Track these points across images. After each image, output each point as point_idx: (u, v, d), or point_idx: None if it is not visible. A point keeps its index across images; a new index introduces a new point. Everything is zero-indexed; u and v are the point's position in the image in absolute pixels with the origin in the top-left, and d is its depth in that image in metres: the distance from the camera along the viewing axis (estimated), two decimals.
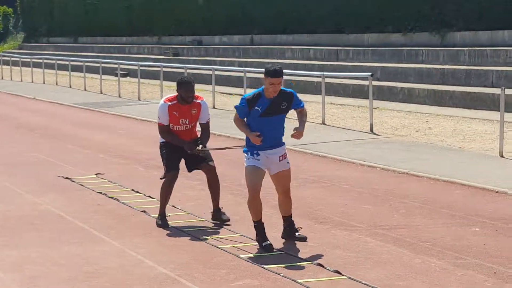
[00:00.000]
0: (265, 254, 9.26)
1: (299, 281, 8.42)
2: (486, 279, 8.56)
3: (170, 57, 43.22)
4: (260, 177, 9.39)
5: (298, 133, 9.41)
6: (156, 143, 19.14)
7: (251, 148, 9.35)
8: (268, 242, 9.44)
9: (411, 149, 17.38)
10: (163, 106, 9.77)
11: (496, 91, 18.94)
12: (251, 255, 9.31)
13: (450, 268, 8.98)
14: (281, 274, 8.56)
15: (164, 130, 9.91)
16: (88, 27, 56.84)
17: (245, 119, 9.55)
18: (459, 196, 12.93)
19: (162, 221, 10.36)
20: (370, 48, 32.13)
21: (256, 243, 9.54)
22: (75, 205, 12.51)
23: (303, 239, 9.70)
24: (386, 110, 23.83)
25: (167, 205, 10.80)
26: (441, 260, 9.20)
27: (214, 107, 27.26)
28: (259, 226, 9.50)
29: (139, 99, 31.15)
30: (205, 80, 32.87)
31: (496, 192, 13.06)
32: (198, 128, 10.80)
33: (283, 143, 9.61)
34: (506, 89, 17.24)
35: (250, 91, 11.29)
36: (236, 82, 31.85)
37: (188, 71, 31.59)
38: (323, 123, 21.61)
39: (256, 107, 9.07)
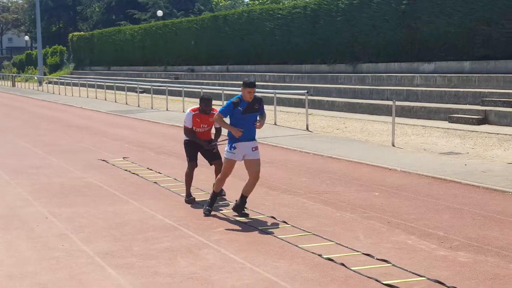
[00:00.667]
0: (235, 213, 9.28)
1: (260, 228, 8.65)
2: (383, 226, 8.68)
3: (173, 80, 42.75)
4: (232, 166, 9.27)
5: (260, 123, 9.25)
6: (163, 137, 19.52)
7: (230, 141, 9.07)
8: (211, 210, 9.38)
9: (333, 141, 17.22)
10: (189, 114, 9.70)
11: (390, 103, 19.03)
12: (231, 211, 9.38)
13: (359, 219, 9.10)
14: (248, 224, 8.68)
15: (189, 131, 9.78)
16: (117, 60, 56.46)
17: (227, 119, 9.26)
18: (365, 172, 12.96)
19: (188, 199, 10.05)
20: (306, 74, 31.84)
21: (231, 209, 9.40)
22: (109, 178, 12.55)
23: (246, 215, 9.21)
24: (316, 116, 23.52)
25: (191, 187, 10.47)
26: (353, 214, 9.23)
27: None
28: (215, 197, 9.43)
29: (151, 108, 30.87)
30: (196, 95, 32.41)
31: (390, 169, 13.11)
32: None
33: (256, 139, 9.31)
34: (396, 102, 17.22)
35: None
36: (216, 97, 31.67)
37: (185, 89, 31.38)
38: (275, 124, 21.36)
39: (239, 107, 8.86)
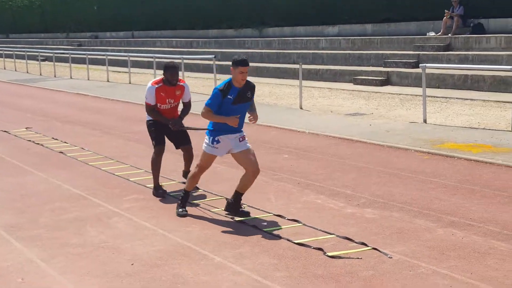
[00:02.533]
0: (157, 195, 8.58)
1: (171, 194, 8.50)
2: (293, 187, 8.87)
3: (76, 47, 42.00)
4: (211, 162, 7.66)
5: (254, 116, 7.67)
6: (68, 106, 19.02)
7: (214, 133, 7.42)
8: (185, 210, 7.76)
9: None
10: (151, 88, 7.84)
11: (296, 66, 19.28)
12: (141, 178, 9.28)
13: (270, 181, 9.23)
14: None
15: (151, 108, 7.97)
16: (15, 27, 54.46)
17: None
18: (274, 135, 13.10)
19: (157, 192, 8.33)
20: (213, 39, 31.93)
21: (224, 210, 7.74)
22: (12, 149, 12.17)
23: (247, 213, 7.63)
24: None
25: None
26: (264, 176, 9.22)
27: (108, 81, 27.18)
28: (186, 196, 7.78)
29: (54, 76, 30.25)
30: (101, 62, 32.21)
31: (298, 131, 13.31)
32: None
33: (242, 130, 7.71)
34: (302, 65, 17.53)
35: (135, 70, 10.64)
36: (122, 63, 31.27)
37: (89, 57, 31.05)
38: None
39: (229, 96, 7.18)
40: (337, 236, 6.95)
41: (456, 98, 16.87)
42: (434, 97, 16.93)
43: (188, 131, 8.49)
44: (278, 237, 6.90)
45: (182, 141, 8.37)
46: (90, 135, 11.86)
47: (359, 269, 6.06)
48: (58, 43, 46.80)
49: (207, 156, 7.43)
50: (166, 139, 8.53)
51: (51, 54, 34.34)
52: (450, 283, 5.60)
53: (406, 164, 10.30)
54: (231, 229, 7.30)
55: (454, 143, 11.81)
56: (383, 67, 21.14)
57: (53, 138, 13.27)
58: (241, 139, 7.45)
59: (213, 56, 23.18)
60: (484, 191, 8.55)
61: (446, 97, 17.06)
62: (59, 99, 21.55)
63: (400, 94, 18.18)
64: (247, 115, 7.59)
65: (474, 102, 16.28)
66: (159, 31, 37.81)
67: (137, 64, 30.66)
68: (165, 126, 8.19)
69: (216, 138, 7.29)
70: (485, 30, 20.97)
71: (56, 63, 32.65)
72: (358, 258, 6.31)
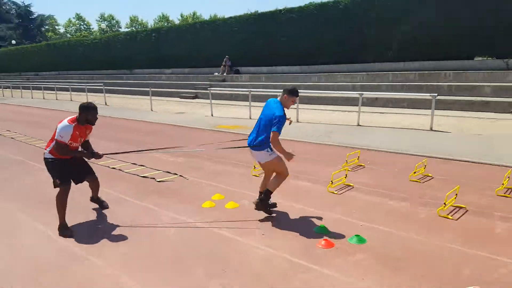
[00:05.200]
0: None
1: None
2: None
3: (24, 80, 35.96)
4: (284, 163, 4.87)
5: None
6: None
7: (266, 146, 4.68)
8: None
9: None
10: (68, 127, 4.80)
11: (147, 88, 19.69)
12: None
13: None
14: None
15: (64, 147, 4.78)
16: None
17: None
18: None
19: (65, 231, 4.78)
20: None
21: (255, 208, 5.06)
22: None
23: (274, 205, 5.10)
24: None
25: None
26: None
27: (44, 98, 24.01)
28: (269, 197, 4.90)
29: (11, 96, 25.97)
30: (39, 88, 28.91)
31: (147, 121, 13.11)
32: None
33: None
34: (154, 88, 17.51)
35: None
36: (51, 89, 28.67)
37: (32, 85, 27.34)
38: None
39: (286, 117, 4.70)
40: (163, 171, 6.64)
41: (228, 105, 17.38)
42: (218, 104, 17.19)
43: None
44: (145, 177, 6.34)
45: (87, 172, 5.18)
46: None
47: (171, 184, 5.87)
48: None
49: (277, 159, 4.77)
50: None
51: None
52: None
53: (202, 135, 10.16)
54: None
55: (224, 125, 11.69)
56: (194, 89, 21.50)
57: None
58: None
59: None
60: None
61: (223, 104, 17.49)
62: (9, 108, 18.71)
63: (203, 104, 18.30)
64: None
65: (236, 106, 16.89)
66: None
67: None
68: (67, 163, 4.92)
69: (271, 147, 4.70)
70: (240, 72, 22.24)
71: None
72: (173, 181, 6.05)
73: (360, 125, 11.19)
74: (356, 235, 4.35)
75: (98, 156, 4.91)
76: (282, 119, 4.46)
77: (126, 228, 4.69)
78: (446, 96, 13.57)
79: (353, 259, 3.94)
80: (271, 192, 4.76)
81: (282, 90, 4.61)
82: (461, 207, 5.11)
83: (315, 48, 19.44)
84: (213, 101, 16.30)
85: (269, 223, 4.76)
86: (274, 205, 4.98)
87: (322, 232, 4.50)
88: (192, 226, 4.67)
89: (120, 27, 71.08)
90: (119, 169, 7.00)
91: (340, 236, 4.40)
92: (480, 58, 15.28)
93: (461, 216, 4.87)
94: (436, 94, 11.15)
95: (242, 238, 4.36)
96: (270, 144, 4.53)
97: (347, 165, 6.99)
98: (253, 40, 21.67)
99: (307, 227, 4.62)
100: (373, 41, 17.59)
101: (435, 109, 10.82)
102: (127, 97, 23.11)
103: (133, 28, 49.15)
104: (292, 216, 4.95)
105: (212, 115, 14.39)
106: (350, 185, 5.94)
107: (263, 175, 4.94)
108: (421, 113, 12.44)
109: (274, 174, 4.80)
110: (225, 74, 22.15)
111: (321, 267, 3.78)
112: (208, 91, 16.77)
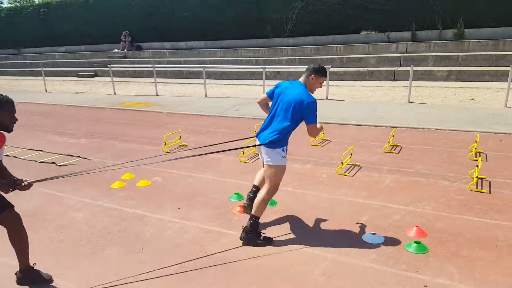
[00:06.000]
0: None
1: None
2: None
3: None
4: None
5: None
6: None
7: (284, 143, 3.61)
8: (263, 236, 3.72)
9: None
10: None
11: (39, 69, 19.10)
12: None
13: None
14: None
15: None
16: None
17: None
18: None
19: (45, 277, 3.08)
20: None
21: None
22: None
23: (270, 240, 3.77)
24: None
25: None
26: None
27: None
28: (258, 224, 3.70)
29: None
30: None
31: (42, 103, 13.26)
32: None
33: None
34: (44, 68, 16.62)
35: None
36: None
37: None
38: None
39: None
40: (64, 154, 6.40)
41: (131, 82, 16.68)
42: (120, 82, 16.51)
43: None
44: (45, 162, 5.94)
45: (3, 206, 2.96)
46: None
47: (74, 168, 5.55)
48: None
49: (283, 168, 3.66)
50: None
51: None
52: None
53: (106, 115, 9.98)
54: None
55: (129, 103, 11.57)
56: (92, 67, 20.62)
57: None
58: None
59: None
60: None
61: (126, 82, 16.69)
62: None
63: (102, 81, 17.44)
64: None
65: (140, 83, 16.09)
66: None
67: None
68: None
69: (287, 148, 3.68)
70: (142, 48, 21.46)
71: None
72: (76, 164, 5.82)
73: None
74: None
75: (24, 186, 2.79)
76: (315, 105, 3.44)
77: (30, 218, 4.31)
78: (338, 68, 14.55)
79: (267, 220, 4.08)
80: (259, 218, 3.62)
81: (305, 69, 3.58)
82: (356, 165, 5.59)
83: (218, 24, 19.43)
84: (114, 78, 15.88)
85: (184, 196, 4.73)
86: (270, 240, 3.63)
87: (237, 199, 4.62)
88: (102, 207, 4.55)
89: (2, 2, 62.87)
90: (14, 156, 6.57)
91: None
92: (366, 32, 16.19)
93: (356, 172, 5.33)
94: (330, 66, 11.95)
95: (156, 214, 4.31)
96: (287, 143, 3.54)
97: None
98: (153, 15, 20.98)
99: (222, 196, 4.71)
100: (271, 17, 18.05)
101: (329, 80, 11.72)
102: (17, 79, 21.53)
103: (17, 4, 44.13)
104: (206, 187, 5.02)
105: (114, 93, 14.06)
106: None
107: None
108: None
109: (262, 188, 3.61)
110: (125, 50, 21.45)
111: (237, 231, 3.87)
112: (108, 69, 16.30)
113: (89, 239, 3.83)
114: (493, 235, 3.68)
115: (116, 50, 22.25)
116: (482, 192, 4.60)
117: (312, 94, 3.54)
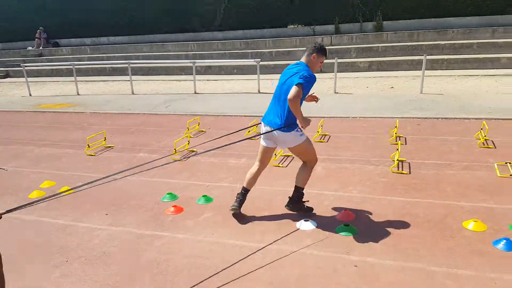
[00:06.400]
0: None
1: None
2: None
3: None
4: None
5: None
6: None
7: (294, 126, 3.62)
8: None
9: None
10: None
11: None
12: None
13: None
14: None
15: None
16: None
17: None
18: None
19: None
20: None
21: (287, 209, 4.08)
22: None
23: (311, 209, 3.99)
24: None
25: None
26: None
27: None
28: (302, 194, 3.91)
29: None
30: None
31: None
32: None
33: None
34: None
35: None
36: None
37: None
38: None
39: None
40: None
41: (49, 82, 16.08)
42: (36, 82, 15.87)
43: None
44: None
45: None
46: None
47: None
48: None
49: (307, 141, 3.71)
50: None
51: None
52: None
53: (21, 118, 9.66)
54: None
55: (48, 104, 11.04)
56: (4, 67, 19.38)
57: None
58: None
59: None
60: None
61: (43, 82, 15.99)
62: None
63: (15, 83, 16.40)
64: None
65: (59, 82, 15.62)
66: None
67: None
68: None
69: (300, 127, 3.67)
70: (60, 45, 20.80)
71: None
72: None
73: (197, 93, 11.55)
74: (203, 196, 4.45)
75: None
76: (313, 78, 3.38)
77: None
78: (268, 61, 14.80)
79: (202, 218, 4.04)
80: (303, 189, 3.84)
81: (305, 48, 3.60)
82: (288, 156, 5.72)
83: (142, 18, 18.78)
84: (29, 79, 15.09)
85: (112, 202, 4.51)
86: (311, 210, 3.96)
87: (170, 199, 4.50)
88: (20, 220, 4.22)
89: None
90: None
91: (188, 200, 4.44)
92: (293, 26, 16.61)
93: (289, 163, 5.47)
94: (260, 60, 12.14)
95: (81, 223, 4.10)
96: (295, 120, 3.49)
97: (188, 132, 7.14)
98: (70, 10, 19.79)
99: (154, 197, 4.57)
100: (201, 11, 17.86)
101: (260, 73, 11.87)
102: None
103: None
104: (138, 189, 4.85)
105: (30, 94, 13.49)
106: (194, 151, 6.06)
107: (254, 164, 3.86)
108: (249, 78, 13.41)
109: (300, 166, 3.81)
110: (41, 48, 20.58)
111: (172, 232, 3.80)
112: (22, 68, 15.60)
113: (6, 258, 3.46)
114: (414, 212, 3.90)
115: (30, 48, 21.20)
116: (403, 174, 4.87)
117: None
